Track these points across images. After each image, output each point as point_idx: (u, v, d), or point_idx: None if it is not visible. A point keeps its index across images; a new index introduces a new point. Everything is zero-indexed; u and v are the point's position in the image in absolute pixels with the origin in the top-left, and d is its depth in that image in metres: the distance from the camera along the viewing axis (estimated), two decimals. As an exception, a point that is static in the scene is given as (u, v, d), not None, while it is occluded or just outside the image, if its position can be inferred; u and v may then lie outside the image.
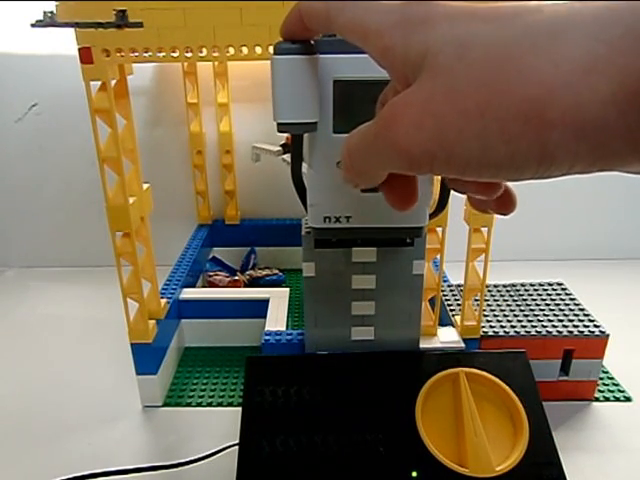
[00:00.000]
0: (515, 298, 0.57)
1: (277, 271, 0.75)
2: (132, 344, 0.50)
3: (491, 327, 0.51)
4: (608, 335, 0.50)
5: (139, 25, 0.38)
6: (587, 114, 0.15)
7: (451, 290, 0.59)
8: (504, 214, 0.22)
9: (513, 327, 0.51)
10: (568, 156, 0.15)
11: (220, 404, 0.53)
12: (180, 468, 0.43)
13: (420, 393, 0.39)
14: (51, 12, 0.38)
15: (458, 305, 0.54)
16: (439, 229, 0.45)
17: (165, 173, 0.78)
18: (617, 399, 0.53)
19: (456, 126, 0.16)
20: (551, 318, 0.52)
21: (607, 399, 0.53)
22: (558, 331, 0.50)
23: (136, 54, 0.39)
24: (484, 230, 0.46)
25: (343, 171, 0.22)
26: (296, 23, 0.24)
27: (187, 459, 0.44)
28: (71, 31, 0.38)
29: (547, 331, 0.50)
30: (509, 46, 0.16)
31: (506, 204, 0.21)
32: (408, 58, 0.18)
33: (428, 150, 0.17)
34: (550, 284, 0.59)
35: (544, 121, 0.15)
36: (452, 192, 0.38)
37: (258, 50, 0.38)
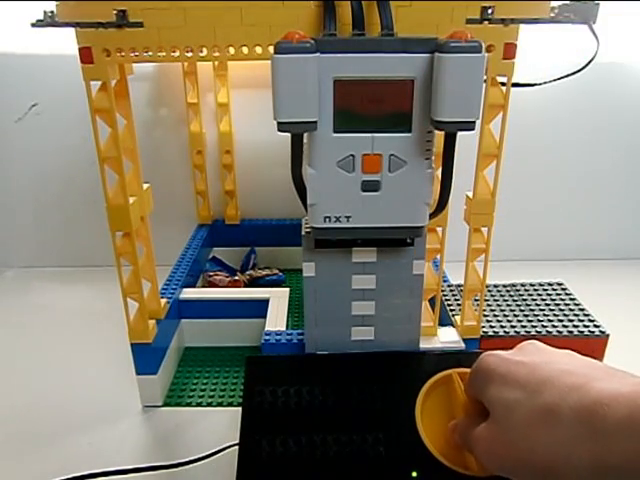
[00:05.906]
0: (515, 298, 0.57)
1: (277, 271, 0.75)
2: (132, 344, 0.49)
3: (491, 327, 0.51)
4: (608, 335, 0.50)
5: (139, 25, 0.38)
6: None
7: (451, 290, 0.59)
8: None
9: (513, 327, 0.51)
10: None
11: (220, 404, 0.52)
12: (180, 468, 0.43)
13: (420, 393, 0.38)
14: (51, 12, 0.38)
15: (458, 305, 0.54)
16: (439, 229, 0.45)
17: (165, 173, 0.78)
18: (617, 399, 0.53)
19: (511, 467, 0.27)
20: (551, 318, 0.52)
21: (607, 399, 0.53)
22: (558, 331, 0.50)
23: (136, 54, 0.39)
24: (484, 230, 0.46)
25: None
26: None
27: (187, 459, 0.44)
28: (71, 31, 0.38)
29: (547, 331, 0.50)
30: (535, 417, 0.26)
31: None
32: (484, 397, 0.30)
33: (494, 470, 0.28)
34: (550, 284, 0.59)
35: (552, 476, 0.25)
36: (452, 192, 0.38)
37: (258, 50, 0.38)
